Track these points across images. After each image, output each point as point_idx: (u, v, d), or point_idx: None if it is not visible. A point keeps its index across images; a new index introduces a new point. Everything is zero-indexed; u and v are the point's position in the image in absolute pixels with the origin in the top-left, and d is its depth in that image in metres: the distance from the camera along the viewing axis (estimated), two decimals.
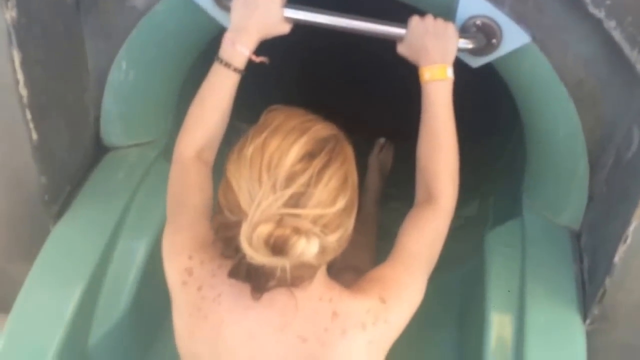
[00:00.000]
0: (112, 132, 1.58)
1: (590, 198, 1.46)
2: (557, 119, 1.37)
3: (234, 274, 0.94)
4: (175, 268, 1.04)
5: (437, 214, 1.15)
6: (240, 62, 1.19)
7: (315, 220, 0.84)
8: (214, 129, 1.20)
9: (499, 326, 1.38)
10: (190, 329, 1.02)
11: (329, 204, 0.85)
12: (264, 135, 0.87)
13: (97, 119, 1.57)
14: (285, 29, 1.26)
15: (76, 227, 1.42)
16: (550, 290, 1.37)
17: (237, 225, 0.85)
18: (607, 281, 1.28)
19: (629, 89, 1.29)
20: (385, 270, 1.06)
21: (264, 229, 0.80)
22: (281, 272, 0.86)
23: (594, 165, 1.42)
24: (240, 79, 1.20)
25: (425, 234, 1.12)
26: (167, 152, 1.68)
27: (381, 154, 2.20)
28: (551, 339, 1.31)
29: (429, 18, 1.23)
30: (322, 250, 0.85)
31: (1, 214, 1.47)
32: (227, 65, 1.18)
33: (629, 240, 1.22)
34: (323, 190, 0.85)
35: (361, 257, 1.57)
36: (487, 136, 2.18)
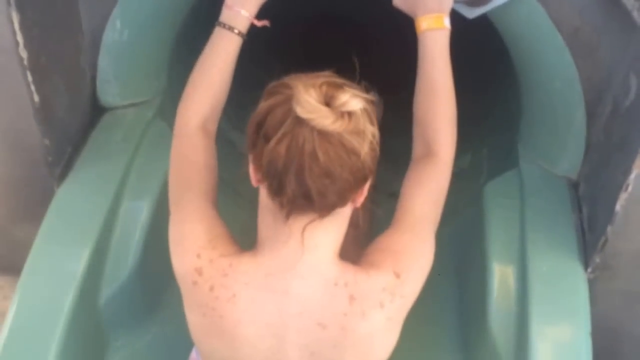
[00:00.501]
0: (109, 92, 1.58)
1: (588, 147, 1.46)
2: (554, 69, 1.36)
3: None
4: (183, 267, 1.02)
5: (438, 168, 1.14)
6: (242, 25, 1.18)
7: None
8: (217, 94, 1.18)
9: (501, 276, 1.40)
10: (207, 329, 1.02)
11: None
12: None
13: (94, 79, 1.57)
14: None
15: (80, 188, 1.44)
16: (551, 240, 1.39)
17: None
18: (609, 229, 1.29)
19: (625, 36, 1.28)
20: (395, 239, 1.05)
21: (317, 80, 0.84)
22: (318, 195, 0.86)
23: (592, 113, 1.42)
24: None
25: (429, 192, 1.11)
26: (162, 111, 1.68)
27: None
28: (554, 288, 1.32)
29: None
30: (365, 111, 0.85)
31: (6, 176, 1.49)
32: (230, 28, 1.17)
33: (630, 189, 1.23)
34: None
35: (357, 213, 1.66)
36: (478, 88, 2.15)
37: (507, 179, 1.56)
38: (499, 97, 2.00)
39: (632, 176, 1.22)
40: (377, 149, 0.91)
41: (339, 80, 0.88)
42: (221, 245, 1.01)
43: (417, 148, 1.18)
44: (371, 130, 0.87)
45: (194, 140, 1.13)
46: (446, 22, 1.19)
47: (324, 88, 0.84)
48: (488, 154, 1.89)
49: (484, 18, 1.36)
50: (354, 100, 0.84)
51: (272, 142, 0.85)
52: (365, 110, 0.86)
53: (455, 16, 1.31)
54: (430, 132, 1.15)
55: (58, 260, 1.33)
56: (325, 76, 0.89)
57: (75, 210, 1.40)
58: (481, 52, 2.06)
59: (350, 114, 0.84)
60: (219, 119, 1.21)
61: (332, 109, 0.83)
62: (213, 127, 1.20)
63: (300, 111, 0.82)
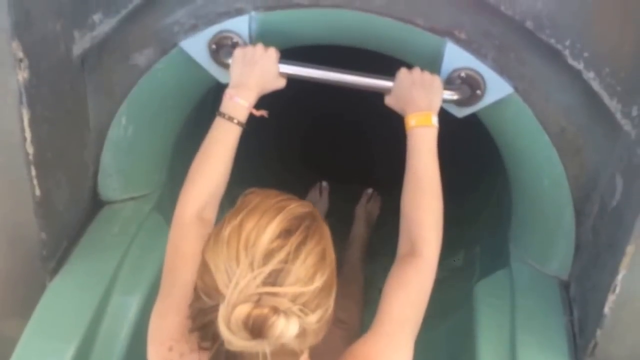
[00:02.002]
0: (109, 186, 1.63)
1: (578, 247, 1.46)
2: (541, 167, 1.40)
3: None
4: (156, 357, 1.02)
5: (420, 268, 1.12)
6: (241, 115, 1.24)
7: (294, 299, 0.82)
8: (216, 183, 1.21)
9: None
10: None
11: (307, 281, 0.84)
12: (240, 216, 0.87)
13: (95, 173, 1.60)
14: (281, 83, 1.33)
15: (71, 283, 1.44)
16: (542, 343, 1.36)
17: (215, 309, 0.83)
18: (598, 333, 1.27)
19: (611, 137, 1.33)
20: (369, 346, 1.03)
21: (243, 310, 0.79)
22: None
23: (580, 213, 1.43)
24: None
25: (410, 294, 1.10)
26: (160, 205, 1.71)
27: (368, 205, 2.23)
28: None
29: (416, 70, 1.29)
30: (303, 332, 0.83)
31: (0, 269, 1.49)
32: (230, 118, 1.22)
33: (617, 290, 1.22)
34: (301, 267, 0.84)
35: (349, 310, 1.58)
36: (472, 184, 2.20)
37: (498, 279, 1.55)
38: (492, 196, 2.03)
39: (620, 277, 1.22)
40: (324, 325, 0.89)
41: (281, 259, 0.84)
42: (193, 342, 0.97)
43: (402, 245, 1.18)
44: (314, 329, 0.86)
45: (188, 230, 1.15)
46: (434, 121, 1.24)
47: (255, 314, 0.80)
48: (481, 252, 1.90)
49: (474, 116, 1.42)
50: (288, 328, 0.80)
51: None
52: (303, 330, 0.84)
53: (448, 116, 1.38)
54: (415, 229, 1.16)
55: (43, 356, 1.31)
56: (279, 222, 0.86)
57: (64, 305, 1.39)
58: (475, 151, 2.12)
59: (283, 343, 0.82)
60: (219, 203, 1.22)
61: (263, 340, 0.80)
62: (211, 215, 1.21)
63: (228, 345, 0.82)
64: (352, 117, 2.48)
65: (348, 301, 1.64)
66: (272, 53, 1.31)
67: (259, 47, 1.31)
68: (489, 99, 1.34)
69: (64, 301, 1.41)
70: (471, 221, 2.03)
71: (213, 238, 0.90)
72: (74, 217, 1.56)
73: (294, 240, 0.86)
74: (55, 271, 1.47)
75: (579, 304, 1.43)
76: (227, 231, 0.88)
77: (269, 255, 0.84)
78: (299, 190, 2.28)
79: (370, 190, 2.28)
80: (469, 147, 1.99)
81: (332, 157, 2.49)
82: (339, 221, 2.11)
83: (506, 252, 1.61)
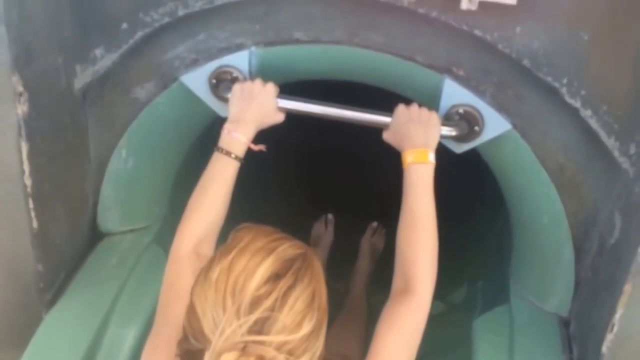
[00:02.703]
0: (109, 218, 1.62)
1: (577, 284, 1.45)
2: (540, 204, 1.40)
3: None
4: None
5: (413, 306, 1.11)
6: (239, 150, 1.24)
7: (279, 347, 0.81)
8: (214, 217, 1.22)
9: None
10: None
11: (294, 328, 0.83)
12: (230, 256, 0.87)
13: (95, 205, 1.60)
14: (279, 118, 1.34)
15: (67, 315, 1.43)
16: None
17: (202, 353, 0.82)
18: None
19: (609, 175, 1.33)
20: None
21: (228, 358, 0.78)
22: None
23: (579, 250, 1.42)
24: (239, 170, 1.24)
25: (403, 334, 1.09)
26: (160, 237, 1.70)
27: (373, 238, 2.23)
28: None
29: (414, 106, 1.29)
30: None
31: None
32: (227, 153, 1.23)
33: (615, 329, 1.21)
34: (288, 314, 0.83)
35: (350, 345, 1.56)
36: (474, 218, 2.21)
37: (498, 315, 1.54)
38: (493, 230, 2.02)
39: (617, 316, 1.21)
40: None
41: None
42: None
43: (396, 281, 1.17)
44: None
45: (184, 265, 1.15)
46: (431, 158, 1.24)
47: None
48: (483, 287, 1.88)
49: (474, 151, 1.42)
50: None
51: None
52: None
53: (449, 150, 1.39)
54: (410, 265, 1.15)
55: None
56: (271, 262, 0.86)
57: (59, 338, 1.39)
58: (477, 186, 2.12)
59: None
60: (217, 237, 1.22)
61: None
62: (208, 250, 1.20)
63: None
64: (358, 151, 2.47)
65: (350, 335, 1.64)
66: (271, 88, 1.31)
67: (258, 82, 1.32)
68: (487, 135, 1.34)
69: (60, 333, 1.40)
70: (473, 256, 2.02)
71: (202, 277, 0.89)
72: (72, 249, 1.55)
73: (283, 284, 0.85)
74: (52, 303, 1.47)
75: (579, 342, 1.41)
76: (215, 272, 0.87)
77: (256, 302, 0.83)
78: (304, 223, 2.29)
79: (375, 224, 2.29)
80: (471, 182, 2.00)
81: (338, 190, 2.49)
82: (344, 254, 2.12)
83: (507, 287, 1.60)
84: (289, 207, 2.27)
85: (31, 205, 1.34)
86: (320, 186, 2.52)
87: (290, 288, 0.85)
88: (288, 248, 0.90)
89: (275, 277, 0.85)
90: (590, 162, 1.35)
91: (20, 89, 1.22)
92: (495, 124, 1.34)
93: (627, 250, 1.24)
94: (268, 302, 0.83)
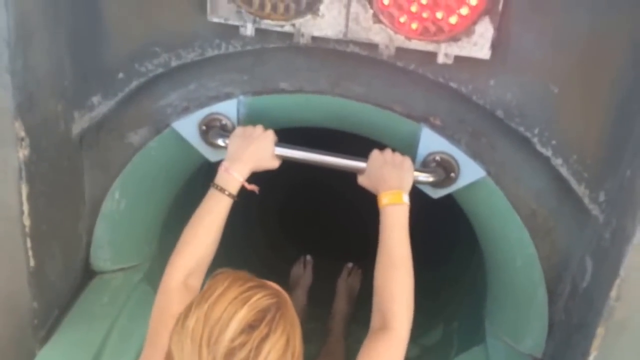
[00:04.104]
0: (101, 257, 1.67)
1: (551, 326, 1.47)
2: (514, 247, 1.44)
3: None
4: None
5: (391, 343, 1.14)
6: (233, 187, 1.29)
7: None
8: (204, 252, 1.25)
9: None
10: None
11: None
12: (206, 305, 0.90)
13: (88, 245, 1.65)
14: (275, 164, 1.39)
15: (59, 352, 1.48)
16: None
17: None
18: None
19: (580, 220, 1.36)
20: None
21: None
22: None
23: (552, 293, 1.45)
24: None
25: None
26: (149, 276, 1.74)
27: (349, 279, 2.27)
28: None
29: (388, 151, 1.33)
30: None
31: None
32: (222, 190, 1.27)
33: None
34: None
35: None
36: (448, 260, 2.24)
37: (474, 355, 1.57)
38: (468, 273, 2.06)
39: (591, 358, 1.24)
40: None
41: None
42: None
43: (374, 319, 1.20)
44: None
45: (173, 297, 1.18)
46: (405, 199, 1.27)
47: None
48: (459, 328, 1.91)
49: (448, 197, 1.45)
50: None
51: None
52: None
53: (423, 196, 1.43)
54: (387, 304, 1.18)
55: None
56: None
57: None
58: (452, 228, 2.17)
59: None
60: (206, 271, 1.25)
61: None
62: (196, 282, 1.23)
63: None
64: (335, 192, 2.49)
65: None
66: (270, 134, 1.36)
67: (259, 127, 1.37)
68: (462, 181, 1.38)
69: None
70: (449, 297, 2.05)
71: (179, 325, 0.91)
72: (66, 286, 1.59)
73: (257, 335, 0.87)
74: (45, 339, 1.50)
75: None
76: (192, 321, 0.89)
77: (230, 354, 0.86)
78: (282, 264, 2.30)
79: (350, 265, 2.33)
80: (446, 225, 2.06)
81: (314, 231, 2.52)
82: (322, 295, 2.13)
83: (482, 328, 1.62)
84: (269, 246, 2.31)
85: (29, 244, 1.39)
86: (299, 226, 2.55)
87: (264, 339, 0.87)
88: (262, 298, 0.92)
89: (249, 328, 0.87)
90: (562, 208, 1.38)
91: (23, 134, 1.29)
92: (470, 171, 1.38)
93: (598, 294, 1.26)
94: (242, 354, 0.86)
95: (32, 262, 1.41)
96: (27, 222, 1.37)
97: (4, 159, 1.30)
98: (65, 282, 1.60)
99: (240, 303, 0.90)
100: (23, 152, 1.31)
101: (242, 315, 0.88)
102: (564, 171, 1.34)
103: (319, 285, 2.25)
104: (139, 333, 1.53)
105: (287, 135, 1.42)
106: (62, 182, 1.49)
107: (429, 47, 1.28)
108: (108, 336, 1.54)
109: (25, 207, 1.36)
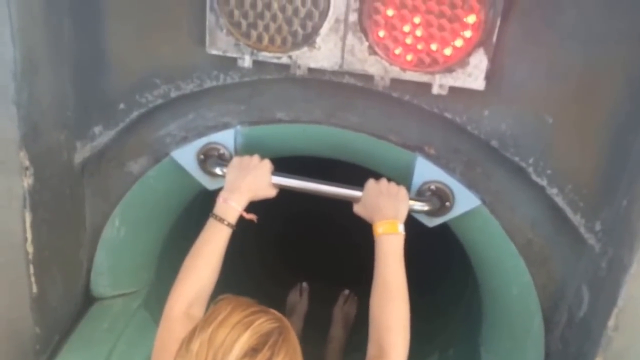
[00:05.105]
0: (101, 283, 1.68)
1: (547, 355, 1.45)
2: (509, 276, 1.43)
3: None
4: None
5: None
6: (232, 217, 1.30)
7: None
8: (205, 281, 1.26)
9: None
10: None
11: None
12: (210, 329, 0.92)
13: (89, 271, 1.66)
14: (272, 192, 1.40)
15: None
16: None
17: None
18: None
19: (576, 249, 1.35)
20: None
21: None
22: None
23: (549, 321, 1.44)
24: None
25: None
26: (147, 302, 1.76)
27: (345, 306, 2.27)
28: None
29: (383, 181, 1.34)
30: None
31: None
32: (221, 220, 1.28)
33: None
34: None
35: None
36: (443, 287, 2.21)
37: None
38: (463, 300, 2.04)
39: None
40: None
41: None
42: None
43: (371, 348, 1.20)
44: None
45: (175, 326, 1.19)
46: (400, 229, 1.27)
47: None
48: (454, 355, 1.90)
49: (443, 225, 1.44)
50: None
51: None
52: None
53: (418, 224, 1.42)
54: (383, 332, 1.18)
55: None
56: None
57: None
58: (449, 257, 2.15)
59: None
60: (208, 299, 1.25)
61: None
62: (198, 311, 1.23)
63: None
64: (330, 219, 2.47)
65: None
66: (266, 164, 1.37)
67: (255, 157, 1.38)
68: (457, 210, 1.38)
69: None
70: (444, 324, 2.03)
71: (183, 349, 0.92)
72: (67, 312, 1.59)
73: (260, 359, 0.88)
74: None
75: None
76: (196, 345, 0.91)
77: None
78: (278, 291, 2.29)
79: (347, 292, 2.32)
80: (440, 252, 2.03)
81: (310, 257, 2.51)
82: (317, 321, 2.11)
83: (478, 356, 1.60)
84: (265, 272, 2.29)
85: (32, 271, 1.41)
86: (295, 252, 2.54)
87: None
88: (264, 322, 0.93)
89: (252, 352, 0.88)
90: (558, 236, 1.37)
91: (27, 163, 1.31)
92: (465, 200, 1.37)
93: (596, 324, 1.24)
94: None
95: (34, 289, 1.42)
96: (30, 249, 1.38)
97: (9, 187, 1.32)
98: (66, 307, 1.60)
99: (244, 327, 0.91)
100: (27, 181, 1.33)
101: (245, 339, 0.90)
102: (559, 200, 1.33)
103: (314, 310, 2.24)
104: (137, 358, 1.56)
105: (283, 164, 1.42)
106: (64, 210, 1.50)
107: (424, 78, 1.28)
108: None
109: (29, 235, 1.37)
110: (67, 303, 1.61)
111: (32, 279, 1.42)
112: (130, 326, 1.64)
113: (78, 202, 1.57)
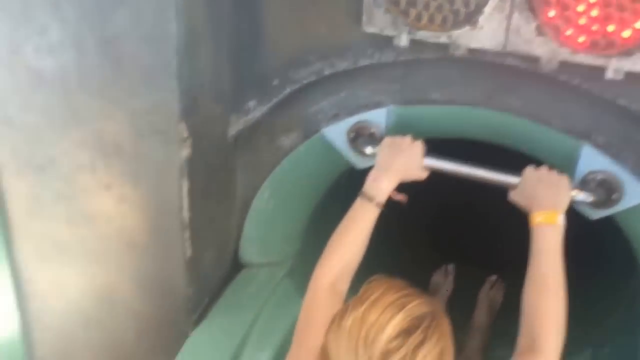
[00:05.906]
0: (249, 251, 1.75)
1: None
2: None
3: None
4: None
5: None
6: (382, 197, 1.28)
7: None
8: (351, 257, 1.27)
9: None
10: None
11: None
12: (363, 307, 0.92)
13: (238, 239, 1.74)
14: (423, 175, 1.37)
15: (210, 335, 1.59)
16: None
17: None
18: None
19: None
20: None
21: None
22: None
23: None
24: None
25: None
26: (292, 273, 1.81)
27: (491, 292, 2.20)
28: None
29: (544, 169, 1.27)
30: None
31: (151, 317, 1.67)
32: (370, 199, 1.28)
33: None
34: None
35: None
36: (602, 277, 2.08)
37: None
38: (626, 293, 1.93)
39: None
40: None
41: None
42: None
43: (522, 340, 1.15)
44: None
45: (321, 299, 1.21)
46: (560, 220, 1.20)
47: None
48: (610, 353, 1.80)
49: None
50: None
51: None
52: None
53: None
54: (537, 327, 1.13)
55: None
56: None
57: (202, 354, 1.55)
58: (608, 249, 2.05)
59: None
60: (352, 275, 1.26)
61: None
62: (343, 287, 1.25)
63: None
64: (480, 202, 2.39)
65: None
66: (419, 145, 1.34)
67: (408, 137, 1.35)
68: (626, 203, 1.28)
69: (203, 350, 1.56)
70: (601, 318, 1.93)
71: (336, 325, 0.94)
72: (217, 276, 1.69)
73: (412, 341, 0.88)
74: (196, 323, 1.62)
75: None
76: (349, 321, 0.92)
77: (386, 355, 0.87)
78: (423, 272, 2.28)
79: (494, 277, 2.25)
80: (602, 240, 1.96)
81: (458, 238, 2.46)
82: (461, 304, 2.08)
83: (636, 353, 1.51)
84: (410, 252, 2.29)
85: (187, 235, 1.49)
86: (443, 234, 2.50)
87: (419, 345, 0.88)
88: (418, 305, 0.93)
89: (405, 333, 0.88)
90: None
91: (186, 134, 1.37)
92: (636, 193, 1.27)
93: None
94: (397, 357, 0.87)
95: (188, 252, 1.51)
96: (186, 215, 1.46)
97: (168, 157, 1.40)
98: (217, 272, 1.69)
99: (397, 308, 0.92)
100: (186, 151, 1.40)
101: (399, 320, 0.90)
102: None
103: (458, 294, 2.21)
104: (281, 325, 1.63)
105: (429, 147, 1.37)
106: (217, 180, 1.57)
107: (598, 61, 1.19)
108: (253, 325, 1.63)
109: (185, 202, 1.45)
110: (218, 267, 1.69)
111: (187, 243, 1.50)
112: (276, 294, 1.71)
113: (230, 173, 1.63)
